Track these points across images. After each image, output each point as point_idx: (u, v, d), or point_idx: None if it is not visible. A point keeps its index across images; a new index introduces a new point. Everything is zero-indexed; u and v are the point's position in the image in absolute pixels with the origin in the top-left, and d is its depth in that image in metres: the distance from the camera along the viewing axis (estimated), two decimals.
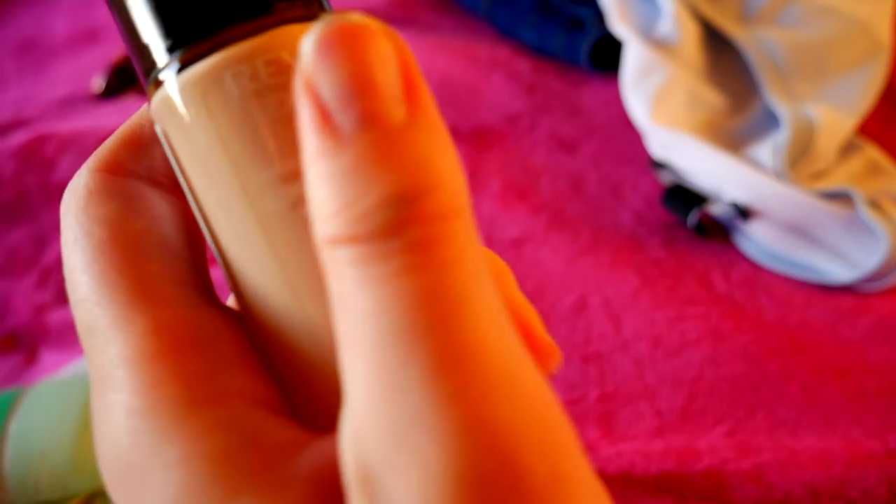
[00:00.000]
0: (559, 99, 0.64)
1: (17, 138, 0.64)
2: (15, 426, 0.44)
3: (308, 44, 0.13)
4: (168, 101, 0.17)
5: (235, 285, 0.17)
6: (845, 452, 0.38)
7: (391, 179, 0.13)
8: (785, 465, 0.37)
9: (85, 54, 0.85)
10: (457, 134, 0.63)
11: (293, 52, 0.15)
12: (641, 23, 0.60)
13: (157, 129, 0.18)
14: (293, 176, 0.15)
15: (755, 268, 0.50)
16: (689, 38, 0.59)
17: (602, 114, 0.62)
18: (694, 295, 0.48)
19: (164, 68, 0.16)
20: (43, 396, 0.46)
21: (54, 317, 0.54)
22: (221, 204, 0.16)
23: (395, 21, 0.80)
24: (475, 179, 0.58)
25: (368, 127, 0.13)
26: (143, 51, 0.17)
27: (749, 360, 0.43)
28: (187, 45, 0.16)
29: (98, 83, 0.72)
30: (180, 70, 0.16)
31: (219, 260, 0.18)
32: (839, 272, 0.48)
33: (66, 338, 0.53)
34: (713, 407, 0.41)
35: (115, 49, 0.80)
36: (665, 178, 0.54)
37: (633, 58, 0.57)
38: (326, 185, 0.13)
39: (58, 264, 0.57)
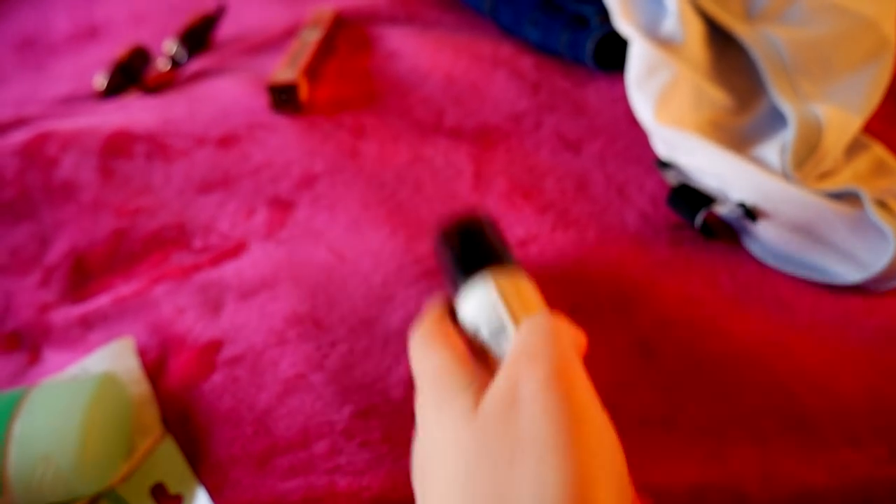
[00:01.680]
0: (564, 98, 0.64)
1: (19, 136, 0.64)
2: (19, 428, 0.43)
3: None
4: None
5: None
6: (857, 456, 0.38)
7: None
8: (797, 468, 0.37)
9: (86, 52, 0.85)
10: (461, 133, 0.63)
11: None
12: (646, 21, 0.60)
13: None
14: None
15: (763, 269, 0.50)
16: (694, 36, 0.58)
17: (607, 113, 0.62)
18: (701, 295, 0.48)
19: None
20: (47, 397, 0.45)
21: (57, 316, 0.54)
22: None
23: (398, 18, 0.79)
24: (480, 179, 0.58)
25: None
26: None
27: (754, 363, 0.43)
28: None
29: (100, 81, 0.72)
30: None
31: None
32: (847, 273, 0.48)
33: (70, 337, 0.53)
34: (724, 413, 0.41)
35: (116, 46, 0.80)
36: (671, 178, 0.54)
37: (638, 56, 0.56)
38: None
39: (61, 263, 0.57)
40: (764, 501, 0.37)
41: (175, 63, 0.76)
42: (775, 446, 0.39)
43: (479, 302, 0.38)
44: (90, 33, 0.89)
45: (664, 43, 0.58)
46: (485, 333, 0.37)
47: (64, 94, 0.75)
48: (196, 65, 0.77)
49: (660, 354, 0.44)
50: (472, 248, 0.41)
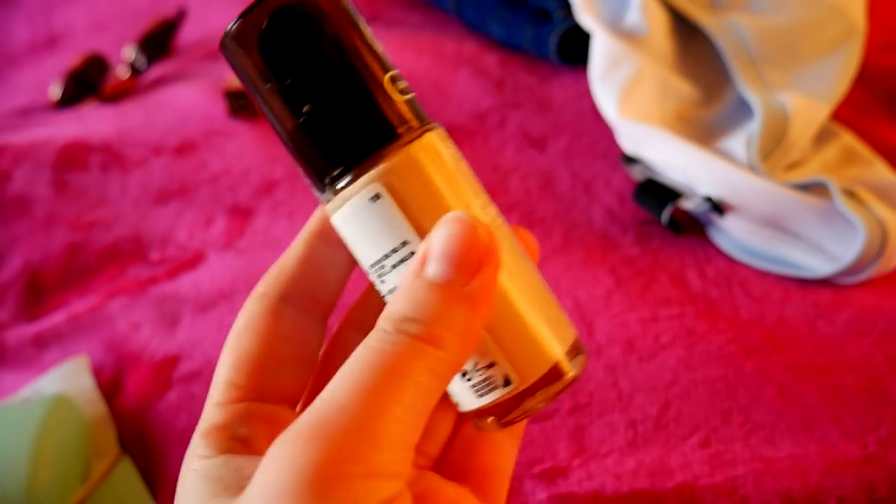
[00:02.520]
0: (528, 94, 0.63)
1: None
2: None
3: (447, 232, 0.22)
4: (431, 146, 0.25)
5: None
6: (822, 459, 0.37)
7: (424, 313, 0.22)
8: (759, 477, 0.36)
9: (45, 61, 0.83)
10: None
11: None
12: (609, 13, 0.58)
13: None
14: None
15: (731, 263, 0.49)
16: (658, 27, 0.57)
17: (573, 108, 0.61)
18: (668, 294, 0.46)
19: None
20: None
21: (10, 336, 0.52)
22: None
23: (362, 17, 0.78)
24: None
25: (440, 284, 0.22)
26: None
27: (725, 362, 0.42)
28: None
29: (55, 91, 0.70)
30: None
31: None
32: (817, 265, 0.47)
33: (23, 357, 0.51)
34: (688, 414, 0.40)
35: (75, 55, 0.78)
36: (636, 174, 0.53)
37: (601, 50, 0.55)
38: (403, 293, 0.22)
39: (15, 280, 0.55)
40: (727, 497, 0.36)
41: (134, 70, 0.74)
42: (738, 444, 0.38)
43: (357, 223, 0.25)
44: (49, 42, 0.87)
45: (628, 35, 0.57)
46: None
47: (20, 105, 0.73)
48: (156, 71, 0.75)
49: (630, 359, 0.43)
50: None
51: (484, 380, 0.24)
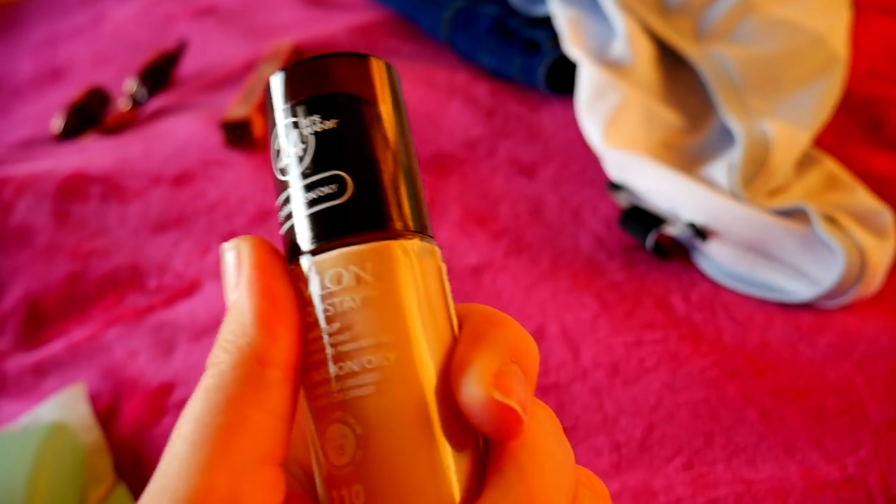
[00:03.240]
0: (518, 123, 0.64)
1: None
2: None
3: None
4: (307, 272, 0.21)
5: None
6: (802, 481, 0.37)
7: None
8: (741, 499, 0.36)
9: (49, 94, 0.85)
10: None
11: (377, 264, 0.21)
12: (595, 44, 0.60)
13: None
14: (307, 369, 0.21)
15: (715, 288, 0.50)
16: (643, 57, 0.59)
17: (561, 136, 0.62)
18: (653, 319, 0.47)
19: (307, 253, 0.21)
20: None
21: (10, 365, 0.53)
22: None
23: (358, 50, 0.80)
24: (434, 208, 0.58)
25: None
26: (294, 241, 0.22)
27: (707, 385, 0.43)
28: (323, 242, 0.21)
29: (57, 124, 0.72)
30: (316, 254, 0.21)
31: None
32: (799, 290, 0.48)
33: (23, 386, 0.52)
34: (671, 436, 0.41)
35: (78, 88, 0.80)
36: (622, 200, 0.54)
37: (587, 80, 0.57)
38: None
39: (16, 310, 0.56)
40: None
41: (135, 102, 0.75)
42: (720, 466, 0.39)
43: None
44: (54, 75, 0.89)
45: (613, 65, 0.58)
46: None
47: (23, 137, 0.75)
48: (157, 103, 0.77)
49: (615, 382, 0.44)
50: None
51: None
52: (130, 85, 0.76)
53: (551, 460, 0.20)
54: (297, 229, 0.21)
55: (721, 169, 0.51)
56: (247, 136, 0.64)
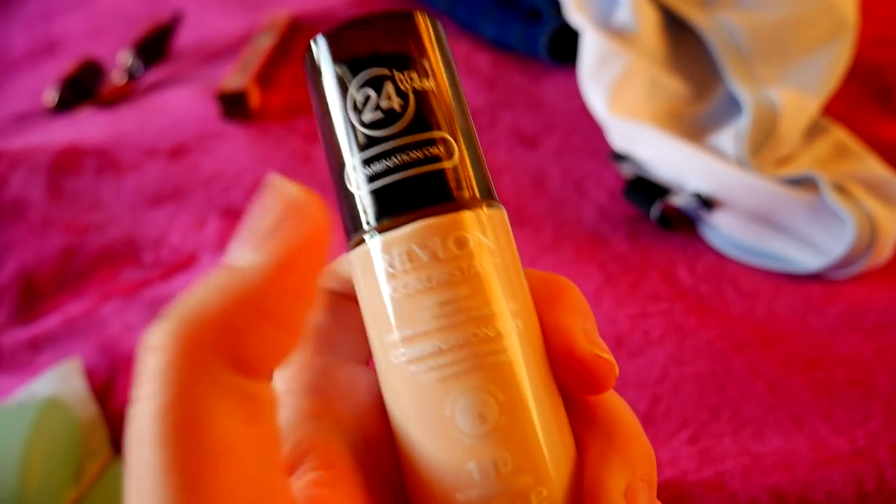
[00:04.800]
0: (520, 93, 0.63)
1: None
2: None
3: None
4: (366, 255, 0.20)
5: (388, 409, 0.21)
6: (811, 454, 0.36)
7: None
8: (748, 472, 0.35)
9: (42, 68, 0.84)
10: None
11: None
12: (599, 11, 0.58)
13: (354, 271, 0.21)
14: (412, 340, 0.20)
15: (721, 259, 0.49)
16: (648, 25, 0.57)
17: (564, 107, 0.61)
18: (658, 291, 0.46)
19: (368, 231, 0.20)
20: None
21: (6, 339, 0.53)
22: (373, 347, 0.21)
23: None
24: None
25: None
26: (353, 217, 0.21)
27: (714, 358, 0.42)
28: (387, 218, 0.20)
29: (50, 97, 0.70)
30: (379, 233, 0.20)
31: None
32: (807, 260, 0.47)
33: (18, 360, 0.52)
34: (677, 409, 0.40)
35: (73, 61, 0.78)
36: (626, 171, 0.53)
37: (591, 48, 0.55)
38: None
39: (10, 285, 0.55)
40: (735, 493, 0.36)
41: (130, 75, 0.74)
42: (727, 439, 0.38)
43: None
44: (47, 48, 0.87)
45: (617, 33, 0.57)
46: None
47: (16, 111, 0.74)
48: (152, 76, 0.76)
49: (620, 355, 0.43)
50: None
51: None
52: (125, 58, 0.75)
53: (631, 415, 0.22)
54: (396, 188, 0.20)
55: (728, 138, 0.50)
56: (243, 108, 0.62)
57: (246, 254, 0.17)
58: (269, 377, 0.17)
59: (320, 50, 0.21)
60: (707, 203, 0.48)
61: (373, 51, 0.20)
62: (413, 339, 0.20)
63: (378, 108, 0.20)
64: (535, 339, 0.20)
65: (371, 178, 0.20)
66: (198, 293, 0.17)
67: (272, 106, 0.66)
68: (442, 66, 0.21)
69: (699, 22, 0.57)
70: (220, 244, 0.55)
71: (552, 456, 0.20)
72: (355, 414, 0.21)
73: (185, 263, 0.54)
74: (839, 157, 0.52)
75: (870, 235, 0.45)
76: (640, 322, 0.45)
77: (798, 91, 0.51)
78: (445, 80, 0.21)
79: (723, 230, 0.49)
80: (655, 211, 0.49)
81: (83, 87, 0.71)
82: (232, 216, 0.57)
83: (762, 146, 0.49)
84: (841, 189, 0.47)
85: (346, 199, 0.21)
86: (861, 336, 0.42)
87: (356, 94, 0.20)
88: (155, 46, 0.77)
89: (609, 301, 0.46)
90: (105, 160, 0.61)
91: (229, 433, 0.16)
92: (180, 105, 0.67)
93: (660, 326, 0.44)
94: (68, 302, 0.54)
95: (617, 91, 0.53)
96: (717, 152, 0.50)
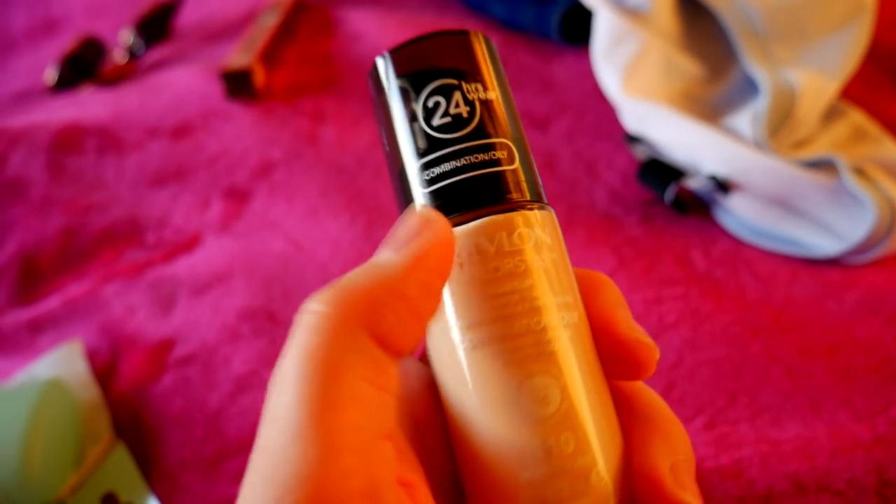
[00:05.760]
0: (530, 74, 0.61)
1: None
2: None
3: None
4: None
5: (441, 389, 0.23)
6: (831, 441, 0.36)
7: None
8: (766, 459, 0.35)
9: (43, 46, 0.82)
10: None
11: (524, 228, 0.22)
12: None
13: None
14: (479, 326, 0.21)
15: (737, 243, 0.48)
16: (662, 4, 0.56)
17: (575, 88, 0.60)
18: (672, 275, 0.45)
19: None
20: None
21: (5, 320, 0.52)
22: (437, 333, 0.22)
23: (363, 0, 0.77)
24: None
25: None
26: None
27: (730, 343, 0.41)
28: (454, 214, 0.22)
29: (51, 75, 0.69)
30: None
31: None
32: (825, 245, 0.46)
33: (19, 342, 0.51)
34: (693, 395, 0.39)
35: (70, 39, 0.77)
36: (640, 153, 0.51)
37: (604, 27, 0.54)
38: None
39: (10, 265, 0.54)
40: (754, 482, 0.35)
41: (132, 54, 0.73)
42: (744, 426, 0.37)
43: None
44: (47, 26, 0.86)
45: (631, 12, 0.56)
46: None
47: (17, 89, 0.73)
48: (155, 55, 0.75)
49: None
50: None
51: None
52: (127, 36, 0.74)
53: (663, 401, 0.23)
54: (463, 186, 0.22)
55: (744, 119, 0.49)
56: (248, 87, 0.61)
57: (388, 253, 0.21)
58: (399, 357, 0.20)
59: (388, 64, 0.23)
60: (723, 186, 0.47)
61: (441, 64, 0.23)
62: (480, 325, 0.21)
63: (447, 113, 0.23)
64: (587, 328, 0.22)
65: (440, 178, 0.22)
66: (349, 276, 0.20)
67: (277, 85, 0.65)
68: (499, 80, 0.24)
69: (715, 2, 0.55)
70: (224, 225, 0.54)
71: (606, 439, 0.21)
72: (408, 398, 0.23)
73: (188, 244, 0.53)
74: (857, 140, 0.51)
75: (890, 220, 0.44)
76: (654, 306, 0.44)
77: (816, 73, 0.50)
78: (503, 92, 0.24)
79: (739, 214, 0.48)
80: (670, 194, 0.48)
81: (84, 66, 0.69)
82: (236, 196, 0.56)
83: (780, 128, 0.48)
84: (860, 172, 0.46)
85: (412, 199, 0.23)
86: (881, 322, 0.42)
87: (427, 101, 0.23)
88: (157, 25, 0.76)
89: (623, 285, 0.45)
90: (107, 139, 0.60)
91: (359, 386, 0.18)
92: (183, 84, 0.66)
93: (675, 311, 0.43)
94: (69, 283, 0.53)
95: (631, 71, 0.52)
96: (734, 134, 0.48)
